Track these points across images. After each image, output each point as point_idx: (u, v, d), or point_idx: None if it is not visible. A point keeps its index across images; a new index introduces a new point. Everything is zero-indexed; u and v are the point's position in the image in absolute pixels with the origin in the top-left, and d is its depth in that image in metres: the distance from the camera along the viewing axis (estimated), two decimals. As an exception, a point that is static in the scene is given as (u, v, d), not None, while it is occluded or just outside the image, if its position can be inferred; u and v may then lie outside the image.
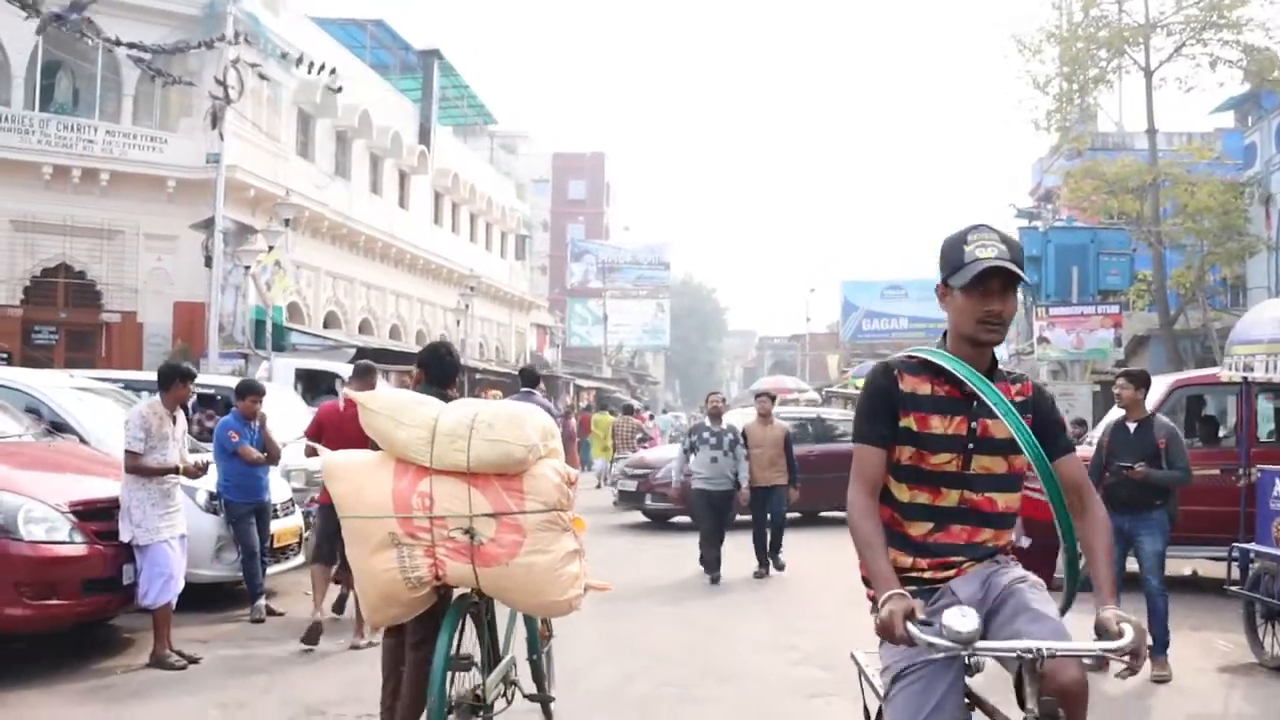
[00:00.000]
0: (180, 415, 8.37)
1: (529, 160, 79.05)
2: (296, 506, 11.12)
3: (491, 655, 5.58)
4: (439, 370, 6.08)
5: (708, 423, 13.04)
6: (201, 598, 9.52)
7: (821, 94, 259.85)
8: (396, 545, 4.99)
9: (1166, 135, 31.30)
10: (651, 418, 36.95)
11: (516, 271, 51.65)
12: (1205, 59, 29.62)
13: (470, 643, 5.39)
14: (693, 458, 12.92)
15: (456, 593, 5.33)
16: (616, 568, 11.77)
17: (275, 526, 10.29)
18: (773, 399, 13.77)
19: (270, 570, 10.26)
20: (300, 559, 10.93)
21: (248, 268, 22.19)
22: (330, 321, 31.80)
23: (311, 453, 7.76)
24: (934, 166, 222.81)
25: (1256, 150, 30.91)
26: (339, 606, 9.56)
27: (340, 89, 21.14)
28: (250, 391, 9.83)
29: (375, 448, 5.26)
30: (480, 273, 40.84)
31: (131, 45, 16.19)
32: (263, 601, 9.61)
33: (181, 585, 8.09)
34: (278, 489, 10.53)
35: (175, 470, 8.05)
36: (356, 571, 5.19)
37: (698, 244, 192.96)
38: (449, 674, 5.08)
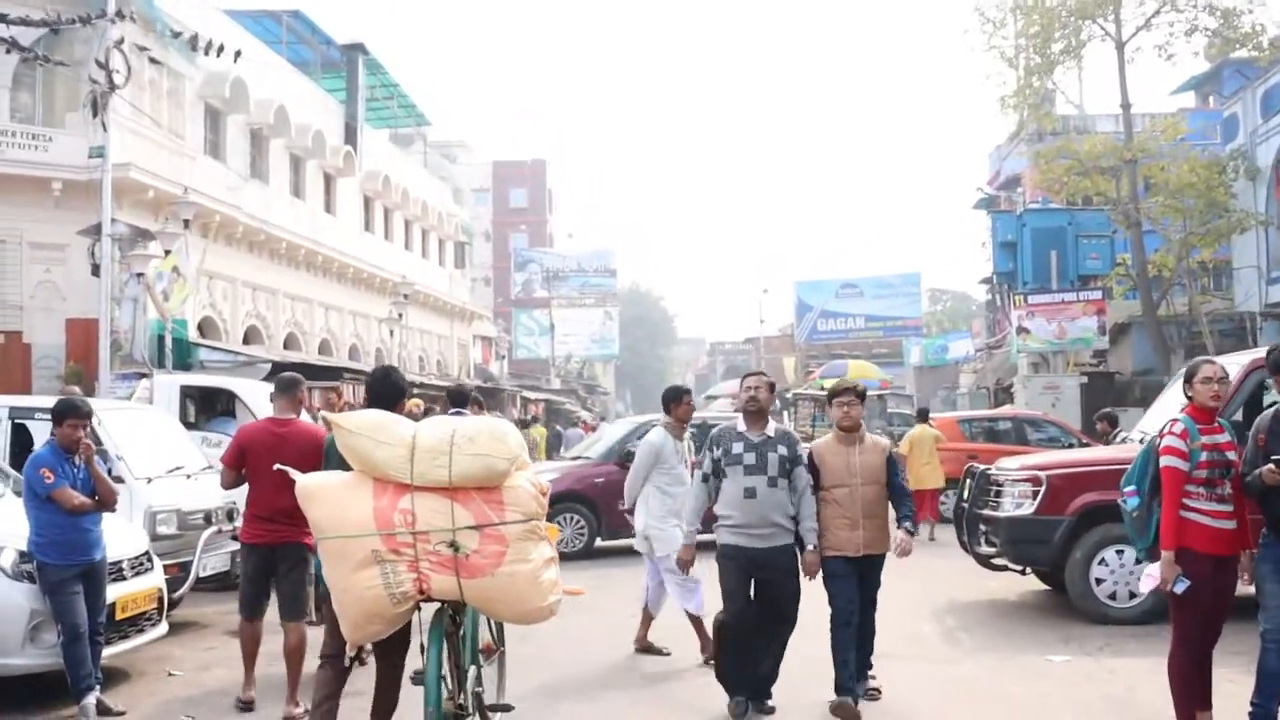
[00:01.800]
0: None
1: (469, 170, 77.29)
2: (155, 560, 8.61)
3: (462, 670, 5.74)
4: (383, 392, 6.25)
5: (741, 427, 7.18)
6: (13, 696, 7.23)
7: (767, 90, 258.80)
8: (380, 562, 5.11)
9: (1132, 116, 29.49)
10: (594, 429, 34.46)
11: (456, 280, 49.01)
12: (1182, 26, 27.88)
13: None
14: (722, 486, 7.13)
15: (430, 608, 5.45)
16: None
17: (119, 591, 7.80)
18: (861, 396, 7.46)
19: (114, 650, 7.77)
20: (162, 629, 8.44)
21: (140, 275, 19.56)
22: (251, 337, 29.11)
23: (232, 483, 7.35)
24: (885, 160, 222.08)
25: (1238, 122, 28.97)
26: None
27: (240, 55, 18.41)
28: (69, 414, 7.24)
29: (310, 469, 5.82)
30: (416, 281, 38.21)
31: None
32: (93, 698, 7.08)
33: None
34: (121, 541, 8.03)
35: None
36: (337, 591, 5.25)
37: (644, 251, 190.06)
38: (441, 686, 5.33)
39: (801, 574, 7.04)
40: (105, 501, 7.29)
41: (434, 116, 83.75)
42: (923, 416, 19.10)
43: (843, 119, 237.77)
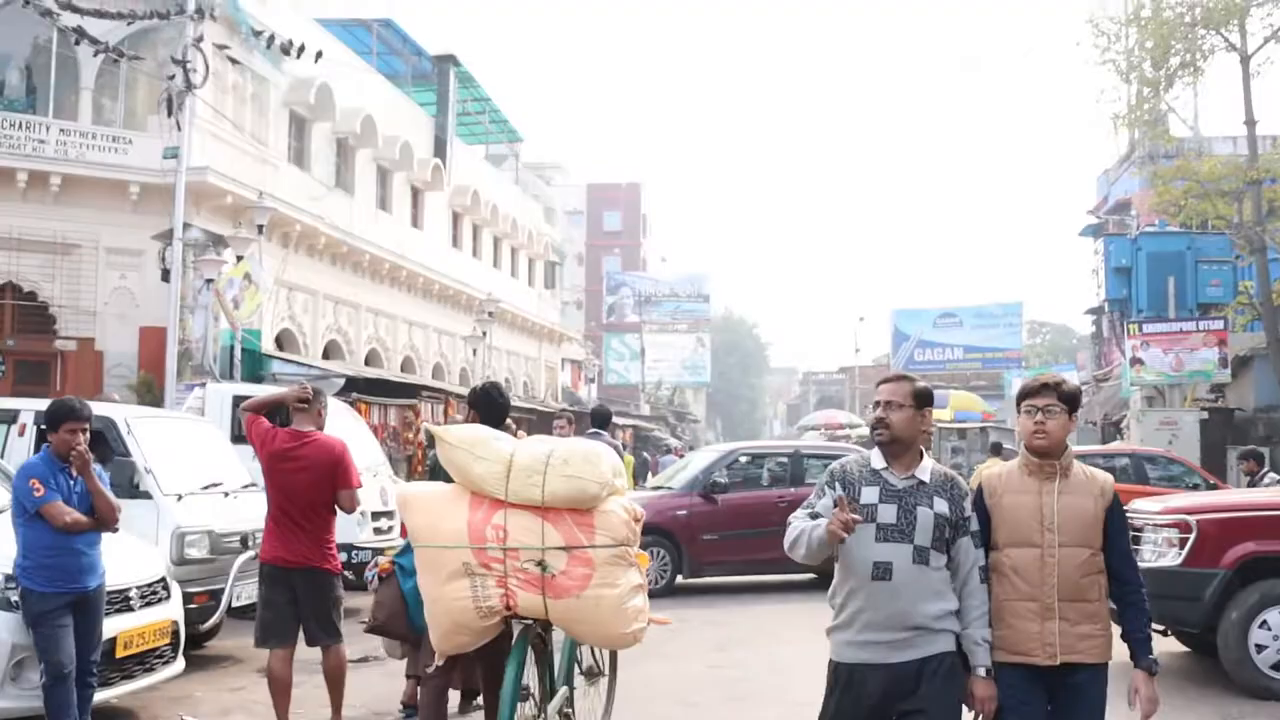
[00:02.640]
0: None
1: (563, 191, 76.54)
2: (174, 588, 7.61)
3: (549, 687, 5.79)
4: (489, 411, 6.42)
5: (876, 462, 4.35)
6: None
7: (867, 118, 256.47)
8: (470, 575, 5.20)
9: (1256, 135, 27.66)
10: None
11: (546, 301, 48.17)
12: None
13: (528, 674, 5.51)
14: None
15: (518, 625, 5.50)
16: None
17: (123, 624, 6.80)
18: (1068, 400, 4.43)
19: (113, 692, 6.78)
20: (176, 667, 7.43)
21: (210, 281, 18.79)
22: (331, 351, 28.38)
23: None
24: (987, 186, 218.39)
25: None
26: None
27: (321, 56, 17.64)
28: (65, 418, 6.28)
29: (322, 483, 6.66)
30: (503, 299, 37.37)
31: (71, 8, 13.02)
32: (80, 753, 6.07)
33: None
34: (129, 566, 7.04)
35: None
36: (429, 600, 5.33)
37: (737, 277, 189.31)
38: (515, 701, 5.25)
39: (966, 711, 4.29)
40: (104, 520, 6.31)
41: (527, 134, 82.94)
42: (995, 451, 17.51)
43: (945, 143, 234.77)
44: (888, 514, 4.20)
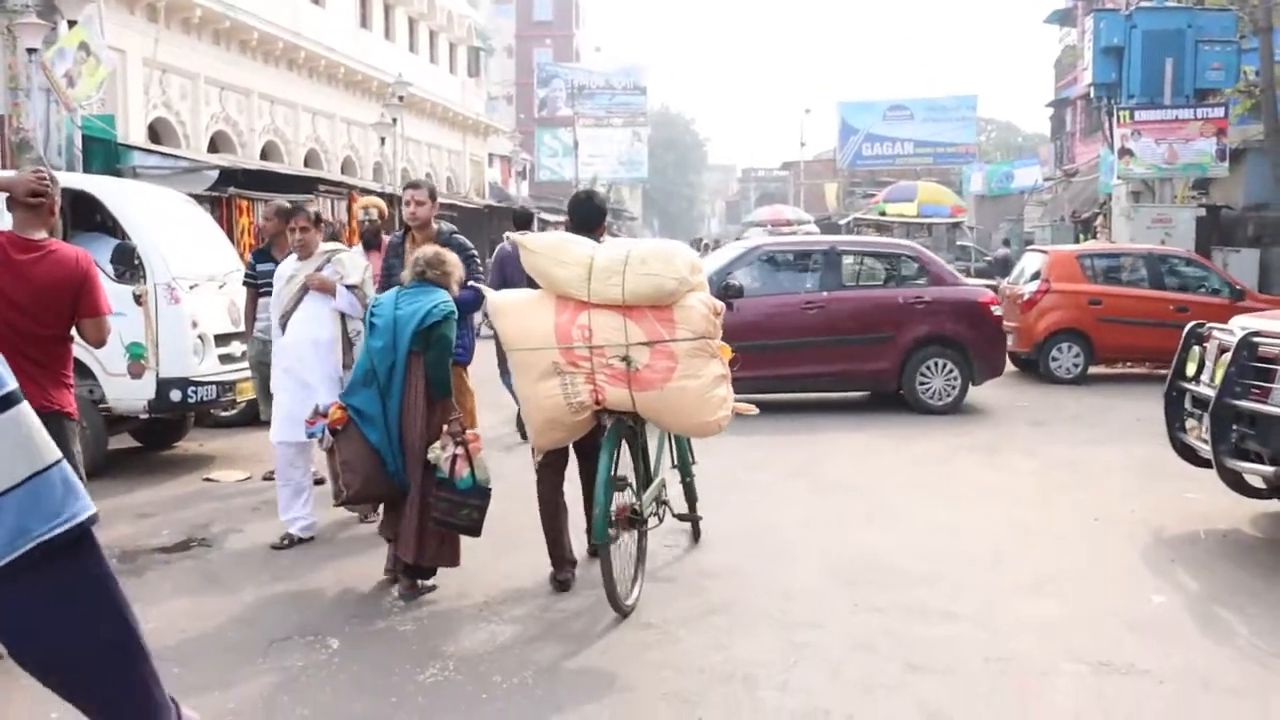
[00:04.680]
0: None
1: (489, -23, 71.54)
2: None
3: (645, 477, 6.15)
4: (581, 215, 6.51)
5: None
6: None
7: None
8: (559, 374, 5.56)
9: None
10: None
11: (470, 91, 44.26)
12: None
13: (624, 466, 5.91)
14: None
15: (610, 420, 5.77)
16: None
17: None
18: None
19: None
20: None
21: (32, 50, 15.24)
22: (221, 144, 24.82)
23: None
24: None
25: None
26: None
27: None
28: None
29: (61, 308, 5.02)
30: (420, 87, 33.64)
31: None
32: None
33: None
34: None
35: None
36: (523, 399, 5.80)
37: (675, 70, 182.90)
38: (609, 489, 5.59)
39: None
40: None
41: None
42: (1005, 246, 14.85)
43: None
44: None
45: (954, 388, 12.62)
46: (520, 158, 52.30)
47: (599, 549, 5.65)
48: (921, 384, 12.61)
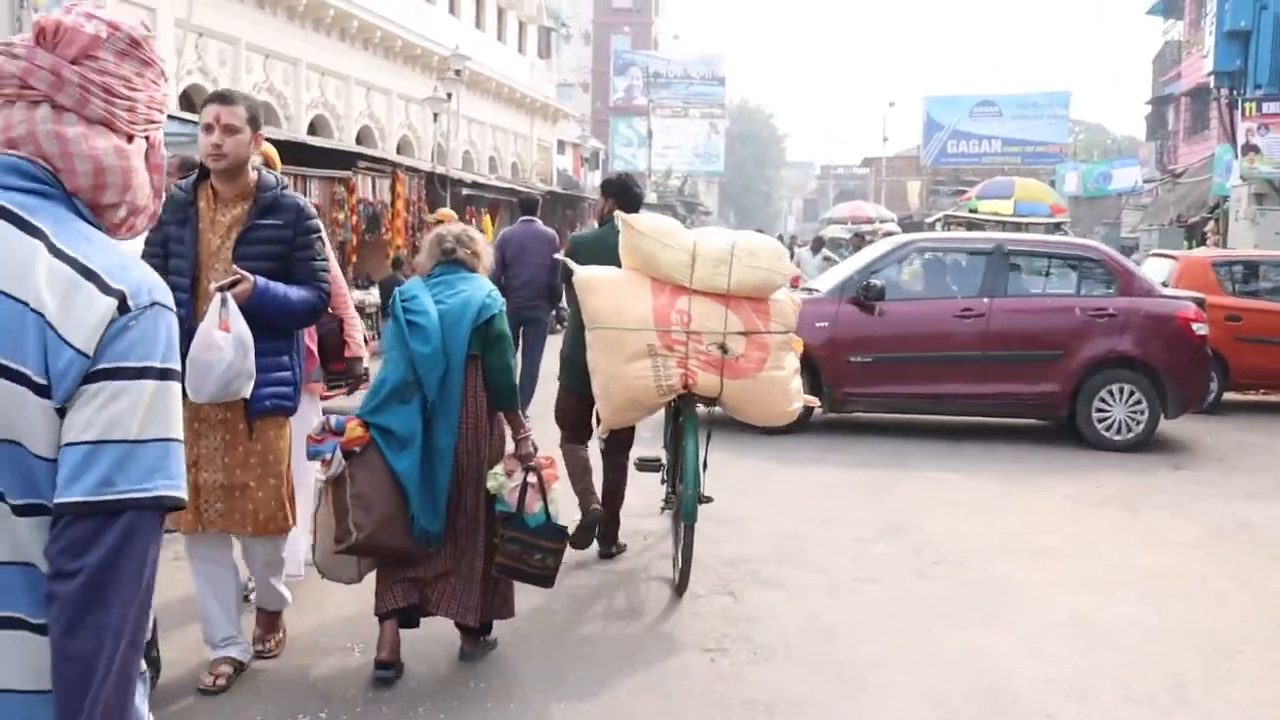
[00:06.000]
0: None
1: (570, -37, 70.04)
2: None
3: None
4: (626, 199, 6.49)
5: None
6: None
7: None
8: (653, 356, 5.57)
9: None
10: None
11: (540, 73, 42.40)
12: None
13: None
14: None
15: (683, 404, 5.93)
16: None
17: None
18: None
19: None
20: None
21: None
22: (265, 116, 23.10)
23: None
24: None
25: None
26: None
27: None
28: None
29: None
30: (484, 63, 31.85)
31: None
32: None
33: None
34: None
35: None
36: (606, 378, 5.68)
37: (754, 62, 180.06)
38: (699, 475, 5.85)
39: None
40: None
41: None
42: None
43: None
44: None
45: (1139, 420, 10.41)
46: (590, 145, 50.52)
47: (687, 530, 5.75)
48: (1099, 414, 10.43)
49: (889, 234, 22.44)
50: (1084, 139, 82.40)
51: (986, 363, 10.54)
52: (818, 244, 22.14)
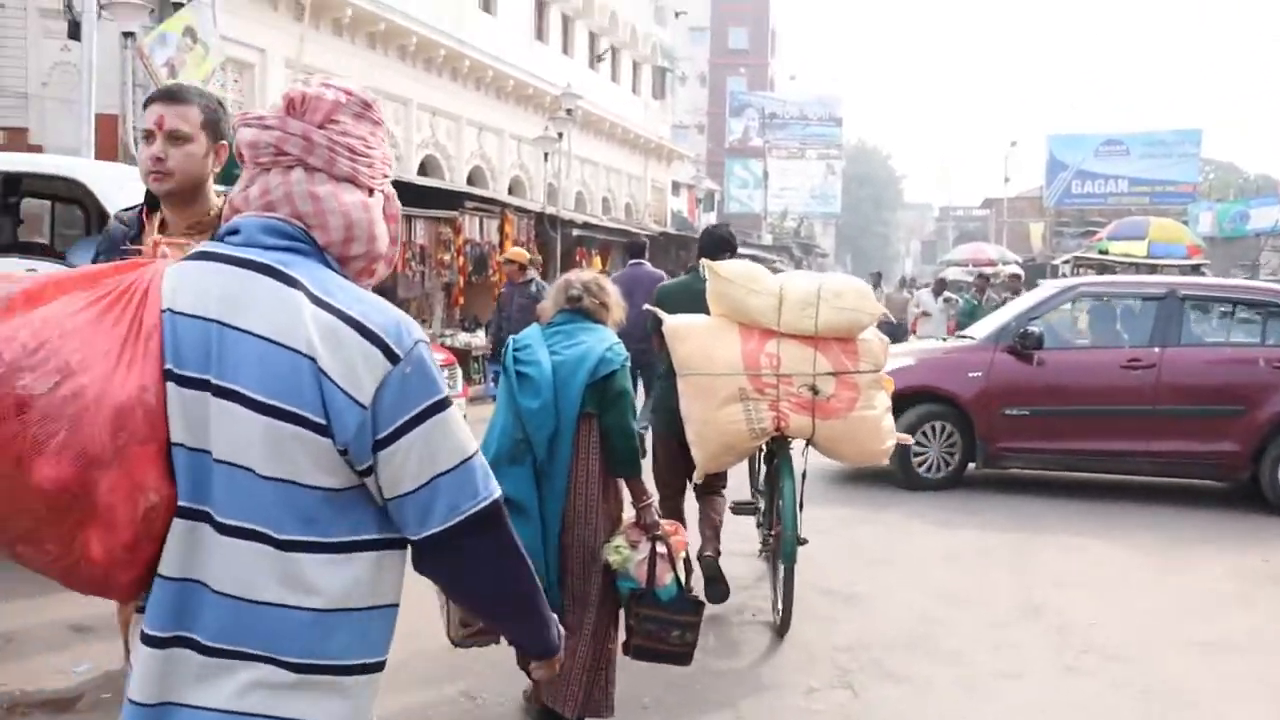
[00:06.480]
0: None
1: (685, 5, 69.83)
2: None
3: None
4: (706, 244, 6.66)
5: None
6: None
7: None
8: (744, 400, 5.65)
9: None
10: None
11: (654, 113, 41.99)
12: None
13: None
14: None
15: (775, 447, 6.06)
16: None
17: None
18: None
19: None
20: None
21: (129, 35, 13.34)
22: (374, 157, 22.94)
23: None
24: None
25: None
26: None
27: None
28: None
29: None
30: (597, 103, 31.48)
31: None
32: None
33: None
34: None
35: None
36: (700, 424, 5.74)
37: (871, 104, 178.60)
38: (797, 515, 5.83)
39: None
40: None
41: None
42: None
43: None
44: None
45: None
46: (704, 186, 49.98)
47: (787, 572, 5.76)
48: None
49: (1013, 275, 21.45)
50: (1215, 178, 79.84)
51: (1156, 418, 9.72)
52: (940, 286, 21.36)
